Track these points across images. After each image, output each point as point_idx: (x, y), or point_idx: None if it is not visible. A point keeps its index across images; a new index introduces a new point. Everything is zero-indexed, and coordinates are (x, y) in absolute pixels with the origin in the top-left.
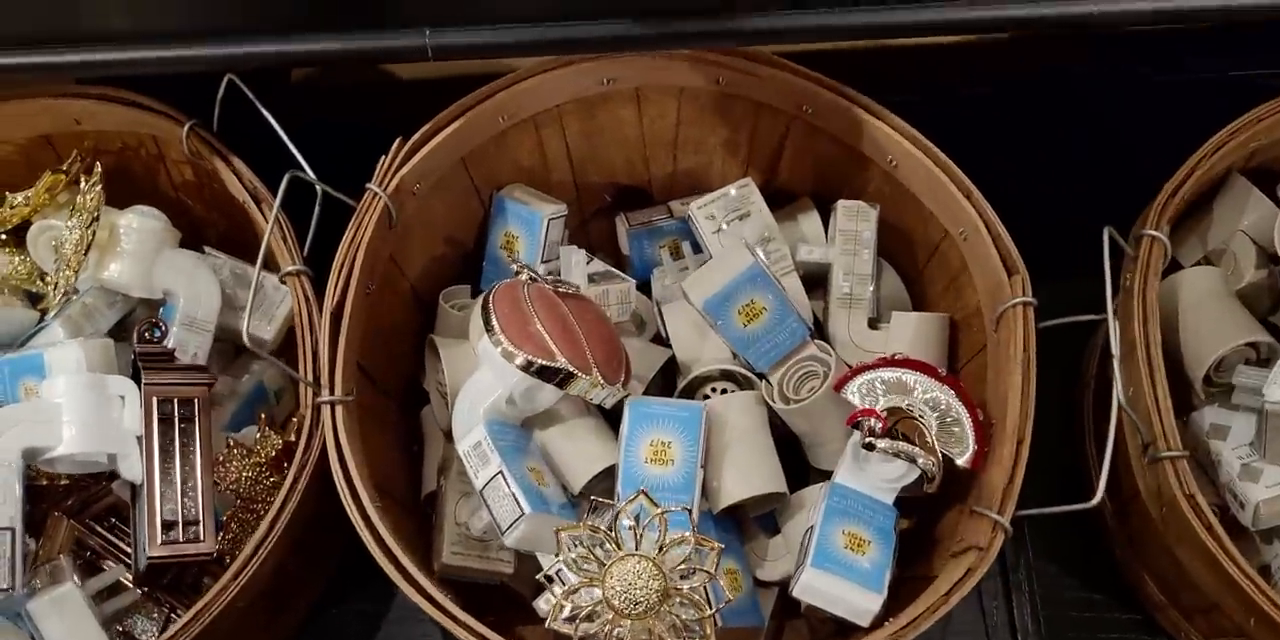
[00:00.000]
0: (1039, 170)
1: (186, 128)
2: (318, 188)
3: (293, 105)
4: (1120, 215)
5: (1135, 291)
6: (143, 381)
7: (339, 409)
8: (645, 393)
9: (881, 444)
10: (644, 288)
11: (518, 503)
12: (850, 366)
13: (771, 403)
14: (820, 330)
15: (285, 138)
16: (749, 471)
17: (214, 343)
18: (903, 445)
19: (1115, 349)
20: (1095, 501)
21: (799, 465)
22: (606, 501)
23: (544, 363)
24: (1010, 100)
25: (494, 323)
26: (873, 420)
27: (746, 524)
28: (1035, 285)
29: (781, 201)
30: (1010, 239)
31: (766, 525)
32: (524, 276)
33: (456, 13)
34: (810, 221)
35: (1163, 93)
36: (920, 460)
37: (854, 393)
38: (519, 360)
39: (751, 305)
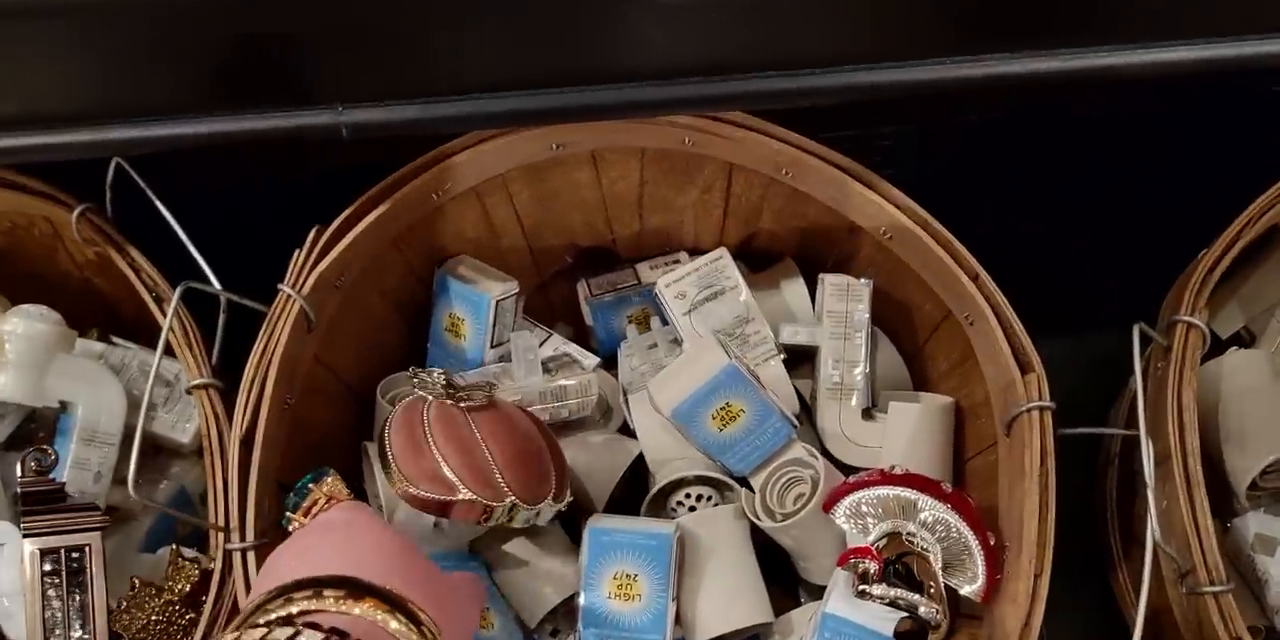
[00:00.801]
0: (1044, 208)
1: (76, 213)
2: (221, 298)
3: (198, 174)
4: (1136, 257)
5: (1170, 391)
6: (23, 529)
7: (251, 555)
8: (614, 490)
9: (877, 591)
10: (611, 361)
11: None
12: (840, 467)
13: (755, 519)
14: (809, 415)
15: (184, 235)
16: (729, 602)
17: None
18: (901, 593)
19: (1149, 478)
20: None
21: (786, 574)
22: None
23: (444, 498)
24: (1012, 128)
25: (390, 457)
26: (867, 561)
27: None
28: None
29: (761, 262)
30: (1023, 329)
31: None
32: (424, 391)
33: (373, 86)
34: (795, 291)
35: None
36: (923, 609)
37: (843, 515)
38: (416, 500)
39: (727, 408)
